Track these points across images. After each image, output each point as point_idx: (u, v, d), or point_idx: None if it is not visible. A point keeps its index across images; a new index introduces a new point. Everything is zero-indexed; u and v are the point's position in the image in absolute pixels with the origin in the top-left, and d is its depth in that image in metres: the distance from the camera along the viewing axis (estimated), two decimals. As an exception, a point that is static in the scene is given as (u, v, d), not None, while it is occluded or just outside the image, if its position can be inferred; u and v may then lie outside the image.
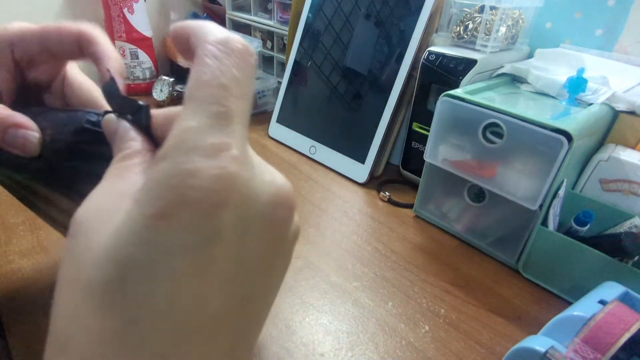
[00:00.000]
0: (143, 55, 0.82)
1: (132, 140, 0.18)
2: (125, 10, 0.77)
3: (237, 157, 0.14)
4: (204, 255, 0.13)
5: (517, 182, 0.41)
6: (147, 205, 0.13)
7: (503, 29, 0.51)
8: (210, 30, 0.16)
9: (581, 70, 0.45)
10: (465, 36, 0.53)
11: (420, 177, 0.51)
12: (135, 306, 0.13)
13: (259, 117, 0.81)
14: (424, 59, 0.52)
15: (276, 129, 0.72)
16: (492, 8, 0.49)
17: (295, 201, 0.17)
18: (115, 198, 0.15)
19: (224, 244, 0.14)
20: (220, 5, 0.92)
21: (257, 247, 0.16)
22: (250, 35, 0.86)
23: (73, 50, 0.26)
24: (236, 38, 0.16)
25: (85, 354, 0.13)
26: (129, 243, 0.13)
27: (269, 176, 0.16)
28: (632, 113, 0.44)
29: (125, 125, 0.19)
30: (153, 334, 0.13)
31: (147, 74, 0.84)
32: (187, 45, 0.17)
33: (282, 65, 0.79)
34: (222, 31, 0.16)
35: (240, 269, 0.15)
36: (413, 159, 0.58)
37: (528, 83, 0.50)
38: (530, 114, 0.39)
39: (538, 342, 0.28)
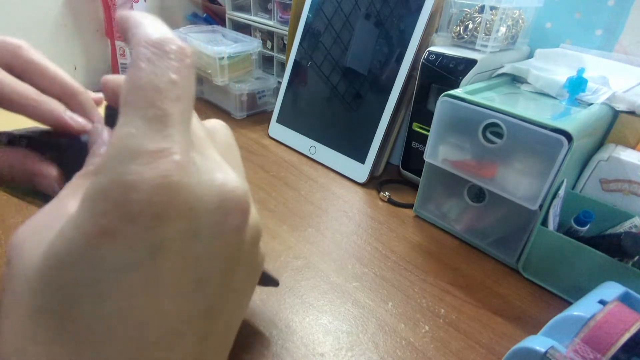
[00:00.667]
0: (143, 55, 0.82)
1: (99, 156, 0.18)
2: (125, 10, 0.77)
3: (179, 162, 0.13)
4: (151, 269, 0.13)
5: (517, 182, 0.41)
6: (89, 224, 0.12)
7: (503, 29, 0.51)
8: (144, 31, 0.15)
9: (581, 70, 0.45)
10: (465, 36, 0.53)
11: (420, 177, 0.51)
12: (86, 328, 0.13)
13: (259, 117, 0.81)
14: (424, 59, 0.52)
15: (276, 129, 0.72)
16: (492, 8, 0.49)
17: (248, 205, 0.16)
18: (56, 217, 0.14)
19: (171, 256, 0.13)
20: (220, 5, 0.92)
21: (211, 256, 0.15)
22: (250, 35, 0.86)
23: None
24: (171, 39, 0.15)
25: None
26: (72, 265, 0.13)
27: (220, 178, 0.15)
28: (632, 113, 0.44)
29: (102, 139, 0.18)
30: (109, 350, 0.13)
31: (147, 74, 0.84)
32: (127, 40, 0.16)
33: (282, 65, 0.79)
34: (157, 30, 0.15)
35: (195, 280, 0.15)
36: (413, 159, 0.58)
37: (528, 83, 0.50)
38: (530, 114, 0.39)
39: (538, 342, 0.28)
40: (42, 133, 0.24)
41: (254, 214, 0.18)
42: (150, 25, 0.15)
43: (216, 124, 0.20)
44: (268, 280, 0.36)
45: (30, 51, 0.23)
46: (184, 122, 0.14)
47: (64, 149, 0.24)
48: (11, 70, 0.22)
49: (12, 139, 0.24)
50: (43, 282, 0.13)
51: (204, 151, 0.16)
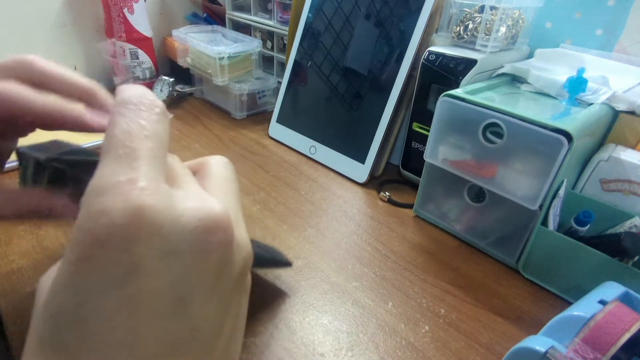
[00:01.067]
0: (143, 55, 0.82)
1: None
2: (125, 10, 0.77)
3: (145, 188, 0.14)
4: (128, 290, 0.14)
5: (517, 182, 0.41)
6: (70, 253, 0.14)
7: (503, 29, 0.51)
8: (122, 94, 0.17)
9: (581, 70, 0.45)
10: (465, 36, 0.53)
11: (420, 177, 0.51)
12: (73, 355, 0.13)
13: (259, 117, 0.81)
14: (424, 59, 0.52)
15: (276, 129, 0.72)
16: (492, 8, 0.49)
17: (229, 223, 0.16)
18: None
19: (147, 277, 0.14)
20: (220, 5, 0.92)
21: (194, 274, 0.15)
22: (250, 35, 0.86)
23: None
24: (143, 94, 0.17)
25: None
26: (59, 294, 0.14)
27: (194, 202, 0.16)
28: (632, 113, 0.44)
29: None
30: None
31: (147, 74, 0.84)
32: None
33: (282, 65, 0.79)
34: (133, 91, 0.17)
35: (176, 299, 0.15)
36: (413, 159, 0.58)
37: (528, 83, 0.50)
38: (530, 114, 0.39)
39: (538, 342, 0.28)
40: (63, 153, 0.26)
41: (243, 235, 0.18)
42: (129, 89, 0.17)
43: (218, 160, 0.22)
44: (281, 262, 0.36)
45: (42, 62, 0.24)
46: (154, 157, 0.15)
47: (84, 168, 0.26)
48: (31, 83, 0.24)
49: (37, 169, 0.26)
50: (42, 313, 0.14)
51: (182, 184, 0.17)
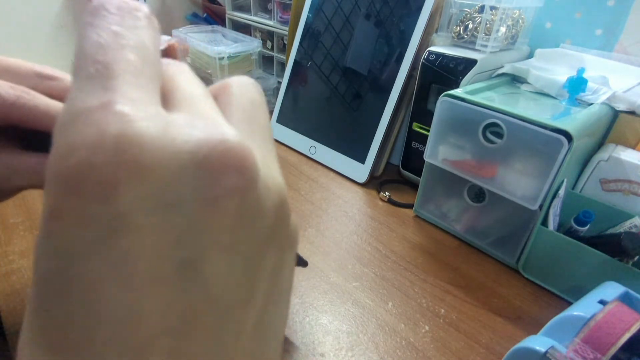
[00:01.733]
0: (143, 55, 0.82)
1: None
2: (125, 10, 0.77)
3: (125, 113, 0.10)
4: (116, 254, 0.10)
5: (517, 182, 0.41)
6: (44, 209, 0.10)
7: (503, 29, 0.51)
8: (92, 1, 0.13)
9: (581, 70, 0.45)
10: (465, 36, 0.53)
11: (420, 177, 0.51)
12: (59, 330, 0.11)
13: (259, 117, 0.81)
14: (424, 59, 0.52)
15: (276, 129, 0.72)
16: (492, 8, 0.49)
17: (247, 160, 0.12)
18: None
19: (139, 235, 0.11)
20: (220, 5, 0.92)
21: (204, 233, 0.12)
22: (250, 35, 0.86)
23: None
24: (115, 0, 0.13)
25: None
26: (40, 257, 0.11)
27: (200, 131, 0.12)
28: (632, 113, 0.44)
29: None
30: (88, 357, 0.11)
31: (147, 74, 0.84)
32: None
33: (282, 65, 0.79)
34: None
35: (185, 264, 0.12)
36: (413, 159, 0.58)
37: (528, 83, 0.50)
38: (530, 114, 0.39)
39: (538, 342, 0.28)
40: None
41: (273, 175, 0.14)
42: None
43: (242, 80, 0.17)
44: (298, 261, 0.36)
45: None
46: (138, 73, 0.12)
47: None
48: None
49: None
50: (32, 280, 0.11)
51: (185, 105, 0.13)
